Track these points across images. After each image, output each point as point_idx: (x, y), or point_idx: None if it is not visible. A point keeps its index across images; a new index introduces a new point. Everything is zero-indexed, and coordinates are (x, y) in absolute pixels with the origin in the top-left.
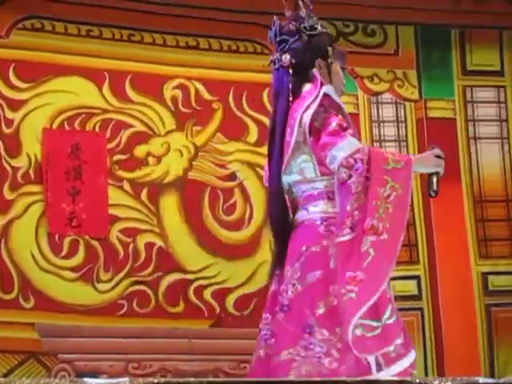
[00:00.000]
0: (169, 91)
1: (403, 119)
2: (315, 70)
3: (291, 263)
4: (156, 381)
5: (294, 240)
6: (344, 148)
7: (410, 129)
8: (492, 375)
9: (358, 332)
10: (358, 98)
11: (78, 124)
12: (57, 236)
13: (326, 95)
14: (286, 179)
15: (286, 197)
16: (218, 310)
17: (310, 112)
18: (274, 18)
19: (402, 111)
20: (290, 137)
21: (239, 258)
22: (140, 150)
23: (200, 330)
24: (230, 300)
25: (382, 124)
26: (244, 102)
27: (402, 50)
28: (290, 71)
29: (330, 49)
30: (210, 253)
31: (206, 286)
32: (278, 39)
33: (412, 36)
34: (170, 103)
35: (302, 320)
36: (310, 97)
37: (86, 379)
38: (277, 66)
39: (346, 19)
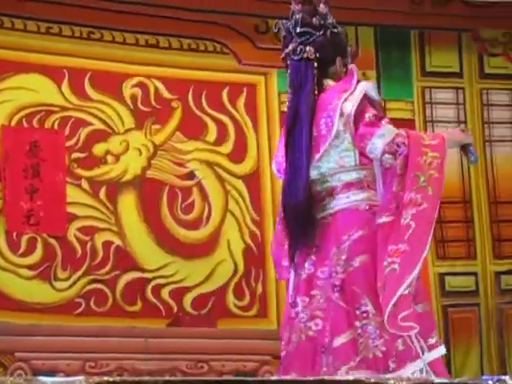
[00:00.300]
0: (128, 89)
1: None
2: (353, 66)
3: (337, 246)
4: (111, 379)
5: (337, 225)
6: (384, 135)
7: None
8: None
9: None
10: None
11: (37, 121)
12: (14, 234)
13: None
14: (320, 168)
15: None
16: (175, 309)
17: (349, 103)
18: (293, 8)
19: None
20: (327, 127)
21: (197, 257)
22: (99, 148)
23: (157, 329)
24: (188, 299)
25: None
26: (203, 100)
27: (362, 51)
28: (315, 64)
29: (348, 48)
30: (168, 252)
31: (163, 285)
32: (298, 30)
33: (371, 37)
34: (129, 101)
35: (356, 300)
36: (346, 90)
37: (40, 378)
38: (298, 57)
39: None
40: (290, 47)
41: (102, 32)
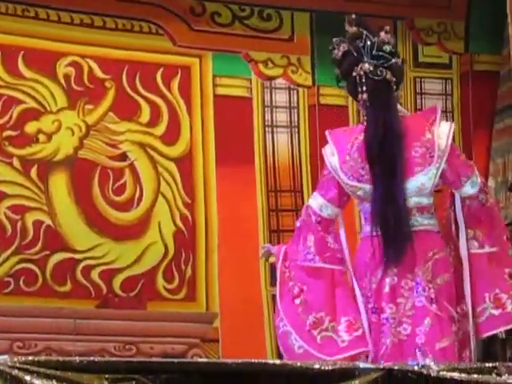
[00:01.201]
0: (62, 68)
1: (296, 105)
2: (438, 105)
3: (423, 263)
4: (36, 359)
5: (420, 243)
6: (478, 175)
7: (302, 115)
8: None
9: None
10: (251, 83)
11: None
12: None
13: None
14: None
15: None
16: (104, 290)
17: (442, 141)
18: (354, 31)
19: (295, 97)
20: (424, 157)
21: (127, 238)
22: (31, 127)
23: (86, 310)
24: (118, 281)
25: (274, 109)
26: (137, 81)
27: (297, 36)
28: (395, 87)
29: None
30: (99, 233)
31: (93, 266)
32: (375, 53)
33: (307, 22)
34: (62, 80)
35: (448, 312)
36: (432, 124)
37: None
38: (379, 78)
39: (241, 3)
40: (367, 66)
41: (36, 10)
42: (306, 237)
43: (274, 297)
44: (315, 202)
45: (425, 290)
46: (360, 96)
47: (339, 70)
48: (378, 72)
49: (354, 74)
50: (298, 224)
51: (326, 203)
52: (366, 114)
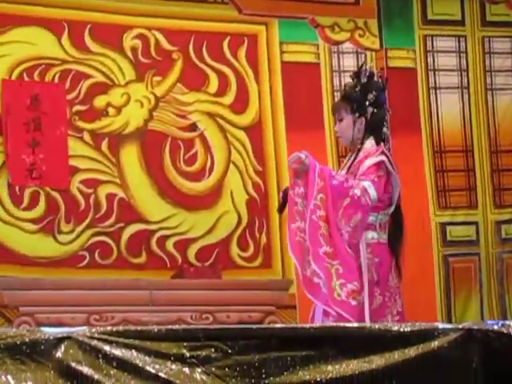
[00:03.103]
0: (128, 41)
1: None
2: None
3: None
4: (115, 329)
5: None
6: None
7: None
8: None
9: None
10: (318, 48)
11: (38, 75)
12: (17, 187)
13: None
14: None
15: None
16: (180, 260)
17: None
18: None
19: (363, 61)
20: None
21: (200, 208)
22: (100, 101)
23: (162, 280)
24: (192, 250)
25: (342, 74)
26: (204, 51)
27: (363, 0)
28: None
29: None
30: (172, 203)
31: (167, 237)
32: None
33: None
34: (129, 53)
35: None
36: None
37: (43, 328)
38: None
39: None
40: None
41: None
42: (352, 215)
43: None
44: (371, 191)
45: None
46: (385, 130)
47: (378, 92)
48: None
49: (389, 111)
50: (350, 185)
51: (375, 198)
52: (388, 148)
